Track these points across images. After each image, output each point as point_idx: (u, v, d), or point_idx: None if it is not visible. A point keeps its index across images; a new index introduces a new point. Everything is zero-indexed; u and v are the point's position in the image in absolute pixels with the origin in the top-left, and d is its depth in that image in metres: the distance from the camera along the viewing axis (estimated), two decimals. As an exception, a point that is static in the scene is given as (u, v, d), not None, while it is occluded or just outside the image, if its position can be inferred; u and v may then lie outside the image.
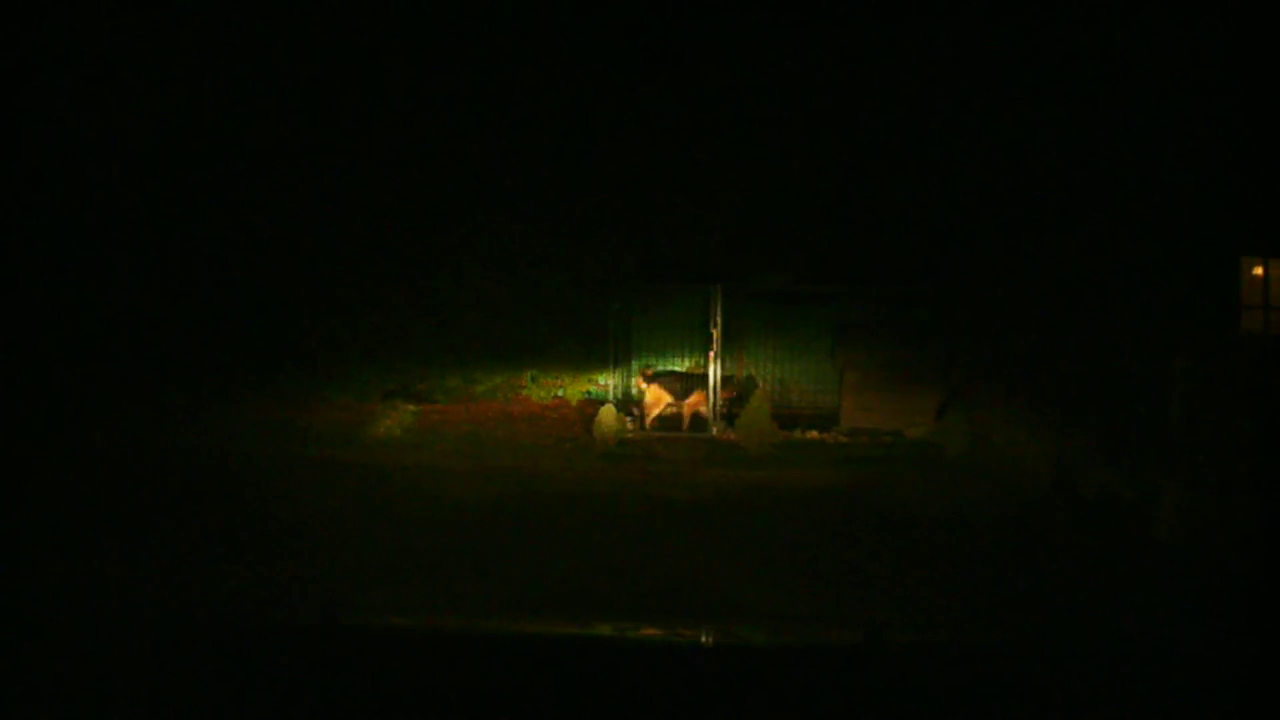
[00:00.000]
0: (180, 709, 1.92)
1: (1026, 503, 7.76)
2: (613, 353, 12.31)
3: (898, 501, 8.15)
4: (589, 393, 12.58)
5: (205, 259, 12.70)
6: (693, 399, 11.62)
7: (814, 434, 11.48)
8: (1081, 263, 8.26)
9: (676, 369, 12.19)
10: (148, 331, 12.10)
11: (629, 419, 11.70)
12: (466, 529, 7.07)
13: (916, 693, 1.99)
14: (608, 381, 12.44)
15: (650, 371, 11.86)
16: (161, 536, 6.44)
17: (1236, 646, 2.35)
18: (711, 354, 11.77)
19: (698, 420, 11.68)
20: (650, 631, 2.68)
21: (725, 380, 11.73)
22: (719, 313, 11.82)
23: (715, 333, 11.81)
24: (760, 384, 11.96)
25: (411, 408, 12.01)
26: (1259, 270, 10.05)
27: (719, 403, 11.61)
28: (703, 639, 2.59)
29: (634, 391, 12.14)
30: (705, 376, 11.70)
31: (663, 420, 11.72)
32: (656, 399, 11.58)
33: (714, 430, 11.50)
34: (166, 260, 12.59)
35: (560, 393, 12.75)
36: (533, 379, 12.79)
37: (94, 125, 11.81)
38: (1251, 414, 5.60)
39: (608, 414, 11.25)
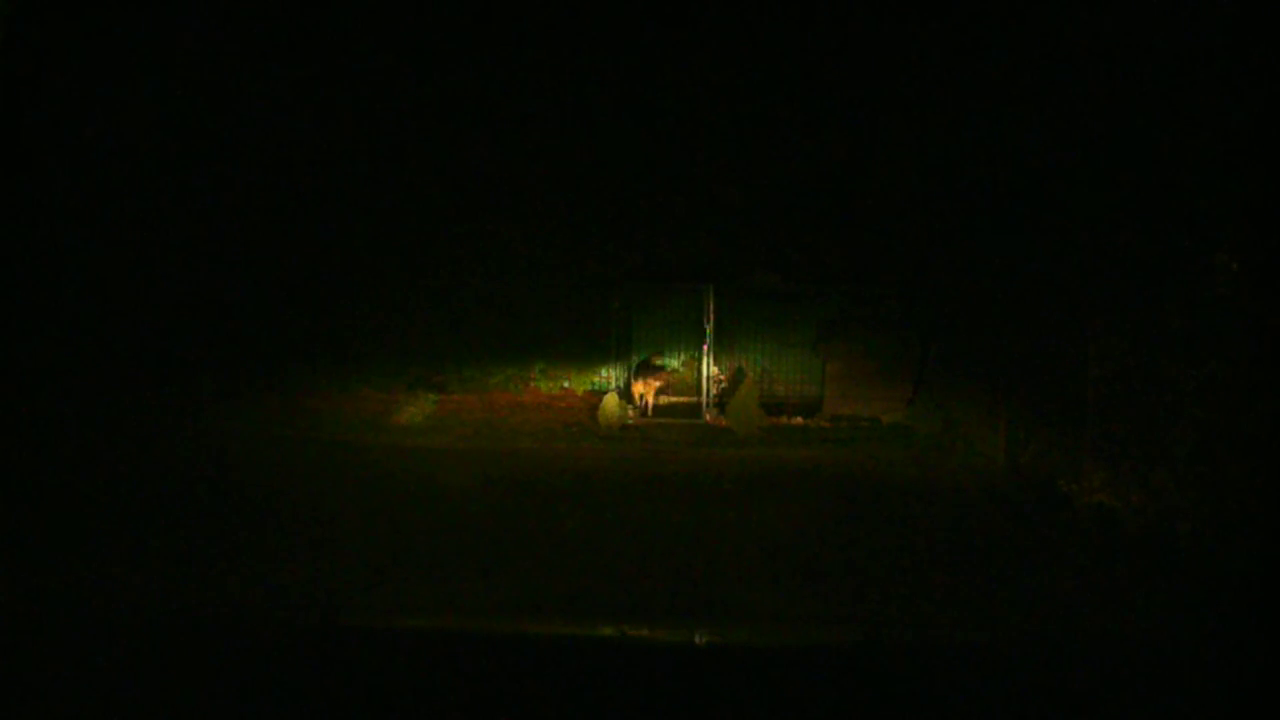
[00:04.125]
0: (181, 706, 1.91)
1: (977, 471, 8.97)
2: (614, 347, 13.48)
3: (868, 473, 9.34)
4: (593, 384, 13.70)
5: (239, 258, 13.65)
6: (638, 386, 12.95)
7: (798, 420, 12.63)
8: (1034, 264, 9.30)
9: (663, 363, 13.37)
10: (183, 324, 13.00)
11: (630, 407, 12.85)
12: (492, 494, 8.24)
13: (910, 688, 1.99)
14: (610, 374, 13.57)
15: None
16: (202, 520, 6.73)
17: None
18: (705, 348, 12.95)
19: (691, 408, 12.86)
20: (651, 632, 2.66)
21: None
22: (711, 310, 13.00)
23: (708, 329, 13.00)
24: (749, 374, 13.11)
25: (432, 397, 13.14)
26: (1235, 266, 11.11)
27: (711, 392, 12.79)
28: (699, 639, 2.59)
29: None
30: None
31: (663, 409, 12.90)
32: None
33: (707, 417, 12.67)
34: (205, 257, 13.50)
35: (566, 384, 13.87)
36: (541, 371, 13.89)
37: (138, 122, 12.28)
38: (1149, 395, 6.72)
39: (611, 402, 12.43)
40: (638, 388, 12.88)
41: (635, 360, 13.46)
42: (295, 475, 8.77)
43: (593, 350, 13.77)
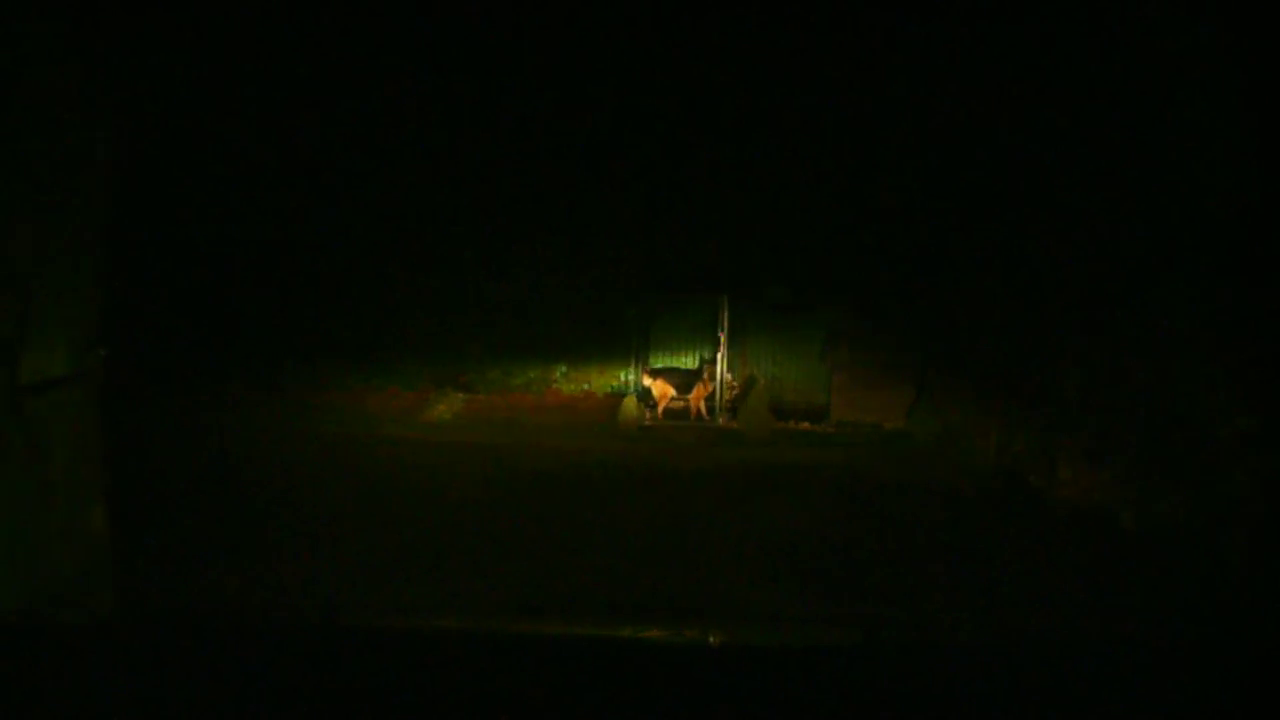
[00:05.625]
0: (181, 708, 1.90)
1: (971, 471, 9.71)
2: (634, 353, 14.27)
3: (869, 473, 10.06)
4: (613, 387, 14.47)
5: (275, 263, 14.38)
6: (696, 392, 13.57)
7: (805, 425, 13.38)
8: (1021, 282, 10.01)
9: (679, 366, 14.08)
10: (214, 326, 13.72)
11: (648, 409, 13.61)
12: (520, 484, 9.00)
13: (914, 691, 1.98)
14: (629, 378, 14.36)
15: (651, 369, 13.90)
16: (239, 513, 7.12)
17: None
18: (719, 355, 13.71)
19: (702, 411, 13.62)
20: (652, 632, 2.67)
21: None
22: (725, 319, 13.76)
23: (722, 337, 13.76)
24: (760, 381, 13.85)
25: (460, 396, 13.92)
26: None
27: (724, 396, 13.55)
28: (707, 639, 2.58)
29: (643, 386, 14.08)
30: (700, 371, 13.67)
31: (673, 412, 13.65)
32: (663, 391, 13.57)
33: (720, 420, 13.42)
34: (241, 263, 14.23)
35: (587, 386, 14.65)
36: (563, 374, 14.68)
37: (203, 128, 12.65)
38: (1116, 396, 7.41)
39: (630, 403, 13.20)
40: (698, 391, 13.59)
41: (656, 364, 14.16)
42: (333, 467, 9.48)
43: (612, 355, 14.55)
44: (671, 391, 13.60)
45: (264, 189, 13.70)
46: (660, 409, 13.57)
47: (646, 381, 13.73)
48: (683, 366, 14.10)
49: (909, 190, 13.42)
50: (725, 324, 13.79)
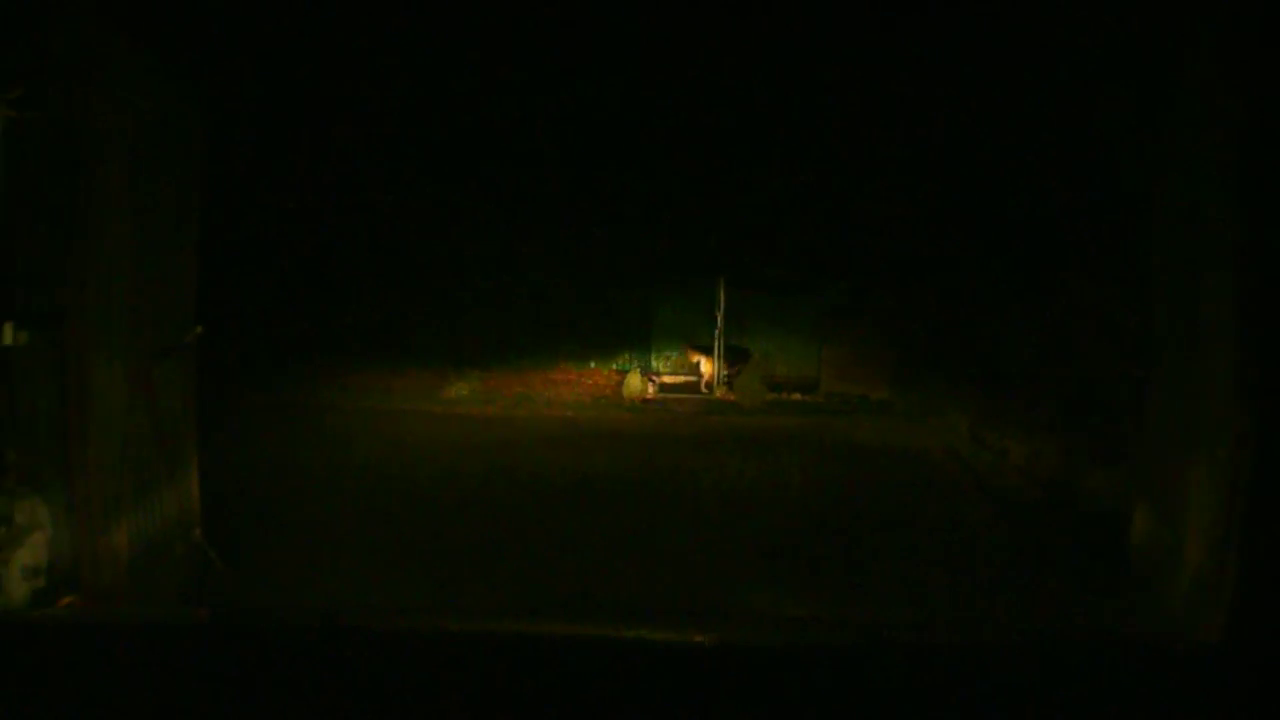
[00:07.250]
0: (181, 707, 1.90)
1: (942, 436, 10.83)
2: (637, 332, 15.37)
3: (850, 436, 11.17)
4: (617, 364, 15.53)
5: (300, 262, 15.30)
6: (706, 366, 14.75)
7: (797, 395, 14.46)
8: (982, 271, 11.06)
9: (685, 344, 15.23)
10: (251, 316, 14.66)
11: (650, 384, 14.69)
12: (541, 443, 10.12)
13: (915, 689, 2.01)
14: (631, 355, 15.46)
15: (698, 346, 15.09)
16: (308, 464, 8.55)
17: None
18: (716, 332, 14.79)
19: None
20: (652, 632, 2.68)
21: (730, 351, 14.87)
22: (722, 300, 14.83)
23: (719, 316, 14.83)
24: (754, 356, 14.93)
25: (477, 374, 15.00)
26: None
27: (722, 370, 14.65)
28: (702, 638, 2.59)
29: (657, 365, 15.22)
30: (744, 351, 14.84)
31: (678, 386, 14.77)
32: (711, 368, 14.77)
33: (717, 393, 14.52)
34: (274, 261, 15.14)
35: (593, 364, 15.71)
36: (571, 353, 15.72)
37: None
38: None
39: (634, 377, 14.29)
40: (707, 366, 14.78)
41: (659, 343, 15.26)
42: (379, 433, 10.60)
43: (617, 334, 15.60)
44: (725, 369, 14.75)
45: (297, 193, 14.59)
46: (716, 385, 14.68)
47: (695, 358, 14.87)
48: (690, 344, 15.16)
49: (898, 183, 14.28)
50: (722, 304, 14.85)
